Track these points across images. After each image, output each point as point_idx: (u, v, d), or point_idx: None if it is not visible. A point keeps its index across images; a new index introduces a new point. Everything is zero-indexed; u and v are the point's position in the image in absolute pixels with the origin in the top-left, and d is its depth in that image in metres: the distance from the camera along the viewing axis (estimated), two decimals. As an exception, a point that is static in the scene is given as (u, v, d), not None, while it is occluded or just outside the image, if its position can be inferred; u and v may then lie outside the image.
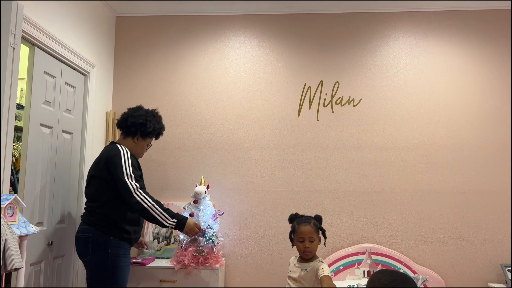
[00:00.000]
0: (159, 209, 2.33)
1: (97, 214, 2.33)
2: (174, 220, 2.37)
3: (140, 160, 2.61)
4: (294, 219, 2.40)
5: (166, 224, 2.36)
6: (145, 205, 2.29)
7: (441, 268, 3.22)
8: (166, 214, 2.36)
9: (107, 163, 2.36)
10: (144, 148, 2.61)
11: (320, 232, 2.34)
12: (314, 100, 3.46)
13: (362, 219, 3.33)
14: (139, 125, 2.51)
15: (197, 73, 3.55)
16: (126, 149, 2.43)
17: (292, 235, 2.35)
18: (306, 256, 2.28)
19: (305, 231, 2.27)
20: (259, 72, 3.51)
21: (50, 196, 2.63)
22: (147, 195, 2.33)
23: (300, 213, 3.40)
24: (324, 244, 2.36)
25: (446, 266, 3.23)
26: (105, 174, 2.35)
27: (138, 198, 2.29)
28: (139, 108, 2.62)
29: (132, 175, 2.33)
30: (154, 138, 2.68)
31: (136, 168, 2.42)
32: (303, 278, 2.24)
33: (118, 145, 2.44)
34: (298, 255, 2.35)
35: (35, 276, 2.46)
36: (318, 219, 2.36)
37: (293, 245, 2.36)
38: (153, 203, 2.32)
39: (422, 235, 3.28)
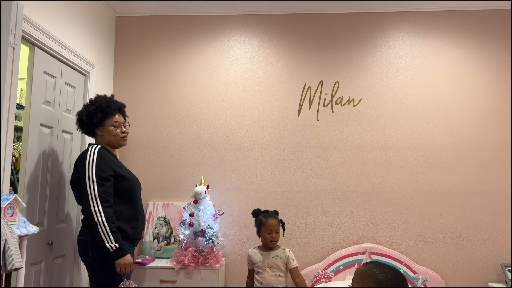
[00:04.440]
0: (107, 228, 2.18)
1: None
2: (116, 244, 2.18)
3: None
4: (259, 214, 2.85)
5: (107, 244, 2.16)
6: (95, 219, 2.16)
7: (441, 268, 3.22)
8: (112, 236, 2.18)
9: (77, 167, 2.34)
10: (113, 132, 2.44)
11: (281, 224, 2.81)
12: (314, 100, 3.46)
13: (362, 219, 3.33)
14: (81, 121, 2.47)
15: (197, 73, 3.55)
16: (97, 148, 2.35)
17: (259, 228, 2.78)
18: (272, 245, 2.73)
19: (274, 224, 2.72)
20: (259, 72, 3.51)
21: (50, 196, 2.62)
22: (104, 209, 2.19)
23: (300, 213, 3.54)
24: (283, 235, 2.82)
25: (446, 266, 3.23)
26: (78, 179, 2.31)
27: (93, 209, 2.17)
28: None
29: (95, 179, 2.22)
30: (113, 116, 2.45)
31: (104, 169, 2.28)
32: (276, 263, 2.62)
33: (90, 147, 2.38)
34: (256, 247, 2.84)
35: (35, 276, 2.46)
36: (277, 213, 2.86)
37: (259, 236, 2.80)
38: (104, 220, 2.17)
39: (422, 235, 3.28)
